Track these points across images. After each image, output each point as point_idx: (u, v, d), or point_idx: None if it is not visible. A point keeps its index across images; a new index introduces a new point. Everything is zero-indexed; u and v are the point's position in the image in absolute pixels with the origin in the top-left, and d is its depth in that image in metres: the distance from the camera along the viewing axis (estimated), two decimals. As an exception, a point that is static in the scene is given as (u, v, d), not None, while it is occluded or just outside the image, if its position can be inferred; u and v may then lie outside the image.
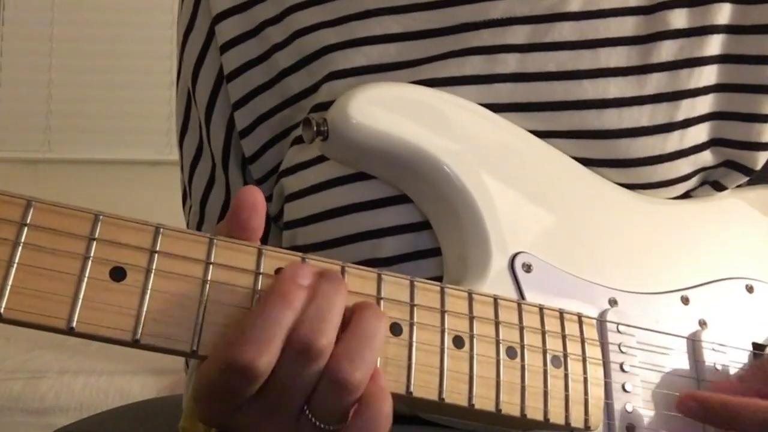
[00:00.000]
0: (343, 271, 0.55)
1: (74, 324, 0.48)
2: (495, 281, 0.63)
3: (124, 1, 2.91)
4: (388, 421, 0.50)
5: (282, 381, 0.49)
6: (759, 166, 0.74)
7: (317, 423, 0.49)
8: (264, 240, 0.78)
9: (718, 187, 0.75)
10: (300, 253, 0.55)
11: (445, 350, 0.56)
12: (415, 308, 0.56)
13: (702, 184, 0.75)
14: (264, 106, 0.76)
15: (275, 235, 0.79)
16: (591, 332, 0.63)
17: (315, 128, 0.64)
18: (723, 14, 0.73)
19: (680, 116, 0.71)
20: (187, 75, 0.81)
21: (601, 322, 0.64)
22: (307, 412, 0.49)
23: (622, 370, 0.63)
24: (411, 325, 0.56)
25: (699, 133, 0.73)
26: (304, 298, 0.50)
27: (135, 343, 0.49)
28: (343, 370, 0.48)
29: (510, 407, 0.57)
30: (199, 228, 0.81)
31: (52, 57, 2.92)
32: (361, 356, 0.49)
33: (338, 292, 0.51)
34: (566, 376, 0.60)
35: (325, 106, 0.70)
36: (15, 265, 0.47)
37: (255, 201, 0.53)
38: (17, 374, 2.11)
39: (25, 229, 0.48)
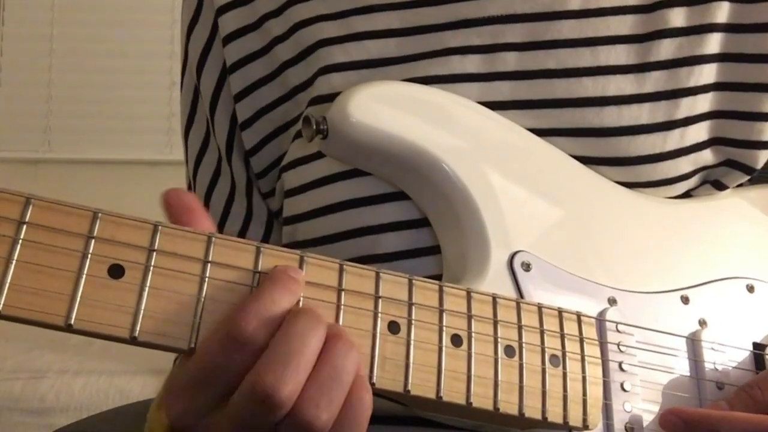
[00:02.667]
0: (341, 270, 0.55)
1: (72, 321, 0.48)
2: (494, 280, 0.63)
3: (124, 1, 2.91)
4: (369, 411, 0.50)
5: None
6: (759, 165, 0.74)
7: None
8: (266, 236, 0.79)
9: (719, 186, 0.75)
10: (298, 251, 0.55)
11: (443, 348, 0.56)
12: (413, 306, 0.56)
13: (702, 183, 0.75)
14: (264, 99, 0.76)
15: (277, 231, 0.79)
16: (590, 331, 0.62)
17: (314, 126, 0.64)
18: (722, 13, 0.73)
19: (680, 114, 0.71)
20: (192, 67, 0.82)
21: (600, 321, 0.64)
22: None
23: (621, 369, 0.63)
24: (409, 324, 0.56)
25: (699, 132, 0.73)
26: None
27: (132, 341, 0.49)
28: (309, 417, 0.47)
29: (508, 406, 0.57)
30: None
31: (52, 57, 2.92)
32: (328, 401, 0.48)
33: (313, 330, 0.49)
34: (565, 375, 0.60)
35: (320, 99, 0.70)
36: (14, 262, 0.47)
37: (188, 204, 0.53)
38: (17, 374, 2.11)
39: (24, 226, 0.48)
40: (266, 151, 0.77)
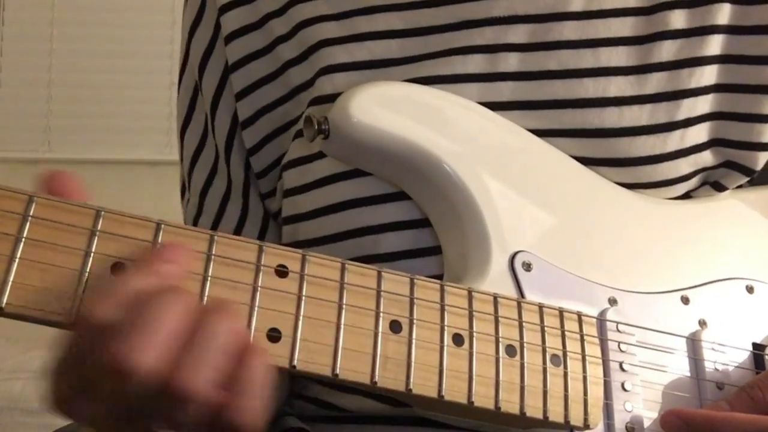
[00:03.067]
0: (343, 269, 0.56)
1: (75, 319, 0.48)
2: (495, 280, 0.63)
3: (124, 1, 2.91)
4: (260, 379, 0.48)
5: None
6: (759, 166, 0.74)
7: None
8: (261, 236, 0.79)
9: (719, 187, 0.75)
10: (300, 251, 0.55)
11: (445, 348, 0.56)
12: (414, 306, 0.57)
13: (702, 184, 0.75)
14: (266, 98, 0.76)
15: (272, 231, 0.79)
16: (591, 331, 0.63)
17: (316, 126, 0.64)
18: (723, 14, 0.73)
19: (681, 116, 0.71)
20: (194, 66, 0.82)
21: (601, 320, 0.64)
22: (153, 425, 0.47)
23: (622, 369, 0.63)
24: (411, 323, 0.56)
25: (699, 133, 0.73)
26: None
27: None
28: (181, 386, 0.45)
29: (509, 405, 0.57)
30: (196, 221, 0.81)
31: (52, 57, 2.91)
32: (200, 365, 0.46)
33: (171, 303, 0.47)
34: (566, 374, 0.60)
35: (322, 99, 0.70)
36: (17, 260, 0.47)
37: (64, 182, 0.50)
38: (17, 374, 2.11)
39: (27, 224, 0.48)
40: (267, 151, 0.77)
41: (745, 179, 0.75)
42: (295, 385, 0.77)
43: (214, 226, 0.80)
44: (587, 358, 0.61)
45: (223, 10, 0.78)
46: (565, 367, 0.60)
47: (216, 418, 0.46)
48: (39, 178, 0.51)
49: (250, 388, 0.47)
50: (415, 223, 0.68)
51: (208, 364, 0.46)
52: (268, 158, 0.77)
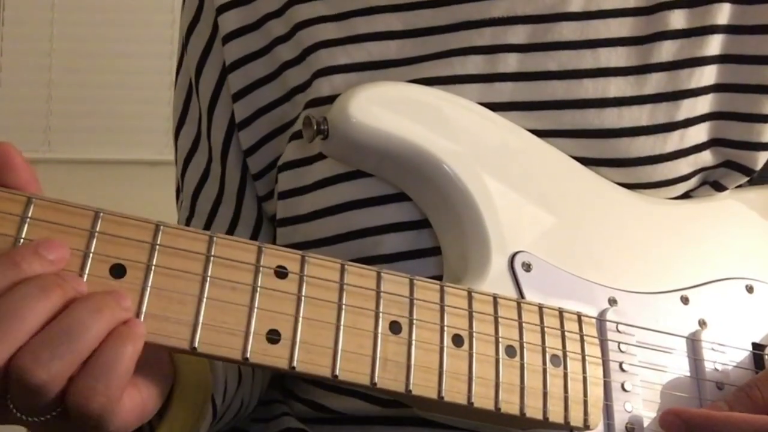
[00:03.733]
0: (342, 270, 0.55)
1: None
2: (495, 280, 0.63)
3: (124, 1, 2.91)
4: (130, 365, 0.47)
5: None
6: (759, 166, 0.74)
7: (23, 417, 0.47)
8: (253, 239, 0.79)
9: (718, 187, 0.75)
10: (300, 252, 0.55)
11: (445, 349, 0.56)
12: (414, 306, 0.57)
13: (702, 184, 0.75)
14: (264, 99, 0.76)
15: (265, 233, 0.79)
16: (590, 331, 0.63)
17: (315, 127, 0.64)
18: (723, 14, 0.73)
19: (680, 116, 0.71)
20: (190, 67, 0.81)
21: (601, 321, 0.64)
22: (11, 406, 0.47)
23: (622, 369, 0.63)
24: (410, 324, 0.56)
25: (699, 133, 0.73)
26: None
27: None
28: (22, 369, 0.44)
29: (509, 406, 0.57)
30: (188, 223, 0.81)
31: (52, 57, 2.91)
32: (50, 355, 0.45)
33: (34, 298, 0.46)
34: (565, 375, 0.60)
35: (321, 101, 0.70)
36: (15, 262, 0.47)
37: (6, 157, 0.49)
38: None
39: (26, 225, 0.48)
40: (264, 152, 0.77)
41: (744, 179, 0.75)
42: (290, 385, 0.77)
43: (206, 229, 0.79)
44: (587, 358, 0.61)
45: (221, 10, 0.78)
46: (565, 367, 0.60)
47: (67, 402, 0.46)
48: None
49: (105, 372, 0.46)
50: (414, 224, 0.68)
51: (59, 352, 0.45)
52: (266, 159, 0.77)
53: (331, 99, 0.67)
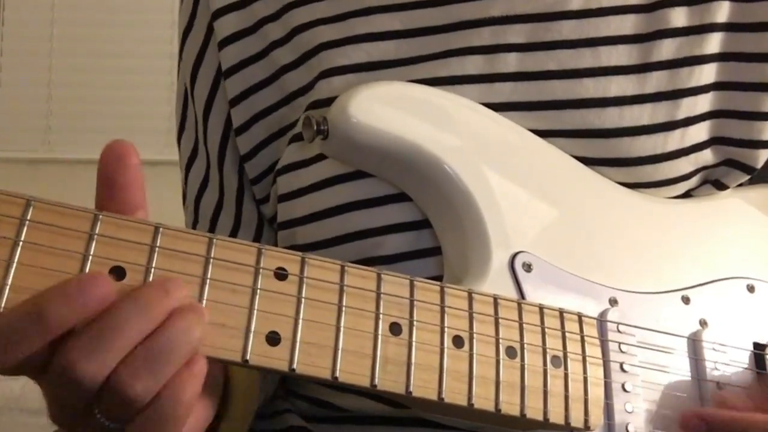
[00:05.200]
0: (342, 271, 0.55)
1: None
2: (495, 280, 0.63)
3: (124, 1, 2.91)
4: (188, 407, 0.49)
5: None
6: (759, 164, 0.74)
7: (106, 423, 0.48)
8: (256, 241, 0.78)
9: (719, 186, 0.75)
10: (300, 253, 0.55)
11: (445, 350, 0.56)
12: (414, 307, 0.56)
13: (703, 183, 0.75)
14: (261, 104, 0.76)
15: (267, 237, 0.79)
16: (591, 331, 0.62)
17: (315, 127, 0.64)
18: (722, 12, 0.73)
19: (681, 115, 0.71)
20: (186, 73, 0.81)
21: (601, 321, 0.64)
22: (96, 412, 0.48)
23: (622, 369, 0.63)
24: (411, 325, 0.56)
25: (700, 132, 0.73)
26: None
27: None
28: (122, 385, 0.46)
29: (510, 407, 0.57)
30: (193, 227, 0.81)
31: (52, 57, 2.92)
32: (148, 371, 0.47)
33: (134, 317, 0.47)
34: (566, 375, 0.60)
35: (321, 103, 0.70)
36: (14, 264, 0.47)
37: (124, 153, 0.51)
38: (17, 374, 2.11)
39: (25, 228, 0.48)
40: (262, 156, 0.76)
41: (745, 177, 0.75)
42: (293, 384, 0.77)
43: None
44: (588, 359, 0.61)
45: (217, 15, 0.77)
46: (566, 368, 0.60)
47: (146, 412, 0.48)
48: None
49: (180, 394, 0.48)
50: (415, 225, 0.68)
51: (155, 369, 0.47)
52: (263, 164, 0.77)
53: (332, 101, 0.67)
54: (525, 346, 0.59)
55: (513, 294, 0.63)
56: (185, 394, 0.48)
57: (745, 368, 0.68)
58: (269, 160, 0.76)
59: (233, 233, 0.79)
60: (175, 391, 0.48)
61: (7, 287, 0.47)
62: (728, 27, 0.74)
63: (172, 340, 0.47)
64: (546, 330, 0.60)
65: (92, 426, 0.49)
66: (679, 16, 0.73)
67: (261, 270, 0.53)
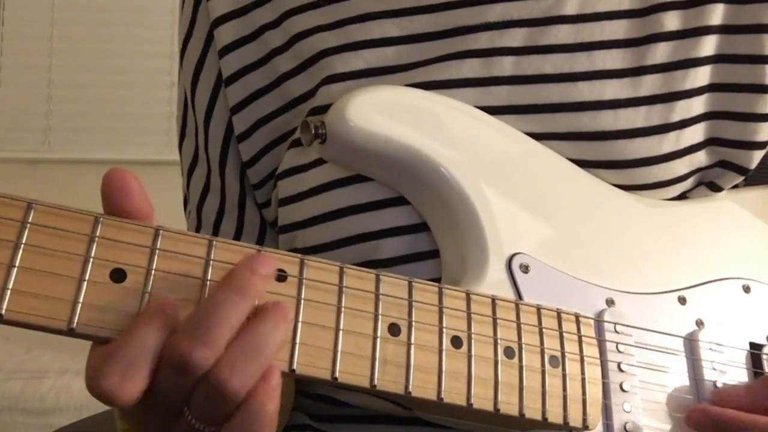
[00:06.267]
0: (341, 273, 0.56)
1: (74, 325, 0.48)
2: (493, 282, 0.63)
3: (124, 1, 2.91)
4: (272, 420, 0.49)
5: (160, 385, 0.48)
6: (753, 165, 0.74)
7: (195, 424, 0.49)
8: (259, 245, 0.79)
9: (714, 187, 0.75)
10: (298, 255, 0.55)
11: (444, 350, 0.56)
12: (413, 308, 0.57)
13: (698, 184, 0.75)
14: (263, 110, 0.76)
15: (270, 241, 0.79)
16: (589, 332, 0.63)
17: (313, 131, 0.64)
18: (716, 15, 0.74)
19: (676, 117, 0.72)
20: (186, 80, 0.81)
21: (599, 321, 0.64)
22: (187, 413, 0.49)
23: (620, 369, 0.63)
24: (409, 326, 0.56)
25: (694, 134, 0.73)
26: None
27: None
28: (222, 378, 0.47)
29: (508, 407, 0.58)
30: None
31: (52, 57, 2.92)
32: (243, 366, 0.48)
33: (232, 302, 0.49)
34: (564, 375, 0.60)
35: (322, 109, 0.70)
36: (16, 267, 0.47)
37: (123, 182, 0.51)
38: (17, 374, 2.11)
39: (26, 231, 0.48)
40: (264, 162, 0.77)
41: (740, 178, 0.75)
42: (298, 383, 0.77)
43: None
44: (585, 359, 0.62)
45: (217, 23, 0.77)
46: (564, 368, 0.60)
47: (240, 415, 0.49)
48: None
49: (265, 406, 0.49)
50: (413, 228, 0.68)
51: (249, 365, 0.48)
52: (265, 170, 0.77)
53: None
54: (523, 346, 0.59)
55: (510, 295, 0.63)
56: (269, 407, 0.49)
57: (742, 368, 0.68)
58: (271, 166, 0.76)
59: (236, 238, 0.79)
60: (261, 400, 0.49)
61: (9, 290, 0.47)
62: (723, 29, 0.74)
63: (264, 334, 0.49)
64: (544, 330, 0.61)
65: (180, 425, 0.49)
66: (672, 20, 0.73)
67: (260, 271, 0.53)
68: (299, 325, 0.53)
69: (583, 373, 0.61)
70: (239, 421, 0.48)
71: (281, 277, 0.54)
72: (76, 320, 0.48)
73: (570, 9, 0.72)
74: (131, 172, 0.51)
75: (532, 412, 0.58)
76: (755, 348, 0.69)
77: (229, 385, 0.47)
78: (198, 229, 0.82)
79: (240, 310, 0.49)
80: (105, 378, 0.46)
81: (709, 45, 0.73)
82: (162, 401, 0.48)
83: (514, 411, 0.58)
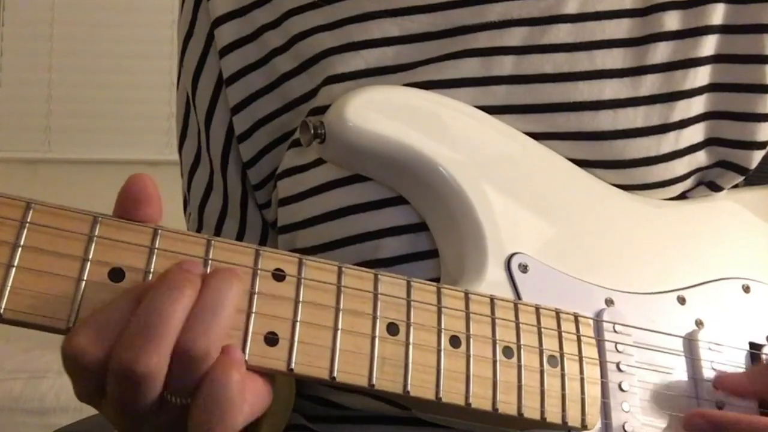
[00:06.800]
0: (340, 272, 0.56)
1: (73, 324, 0.48)
2: (491, 282, 0.63)
3: (124, 1, 2.92)
4: (237, 393, 0.49)
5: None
6: (753, 165, 0.74)
7: (170, 398, 0.49)
8: (262, 245, 0.79)
9: (714, 187, 0.75)
10: (297, 255, 0.55)
11: (442, 350, 0.57)
12: (411, 308, 0.57)
13: (698, 184, 0.75)
14: (263, 111, 0.76)
15: (272, 241, 0.79)
16: (587, 332, 0.63)
17: (312, 131, 0.64)
18: (717, 15, 0.73)
19: (675, 117, 0.72)
20: (186, 80, 0.81)
21: (598, 321, 0.64)
22: (168, 394, 0.49)
23: (619, 369, 0.63)
24: (408, 325, 0.56)
25: (694, 134, 0.73)
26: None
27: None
28: (186, 344, 0.48)
29: (507, 407, 0.58)
30: None
31: (52, 57, 2.92)
32: (204, 329, 0.48)
33: (173, 301, 0.48)
34: (563, 375, 0.60)
35: (322, 109, 0.70)
36: (15, 267, 0.48)
37: (144, 192, 0.52)
38: (17, 374, 2.11)
39: (25, 231, 0.48)
40: (264, 162, 0.77)
41: (740, 178, 0.75)
42: (296, 384, 0.77)
43: None
44: (584, 359, 0.62)
45: (218, 23, 0.77)
46: (562, 368, 0.60)
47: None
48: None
49: (227, 376, 0.49)
50: (412, 228, 0.68)
51: (210, 326, 0.48)
52: (266, 170, 0.77)
53: None
54: (522, 346, 0.59)
55: (509, 295, 0.63)
56: (233, 374, 0.49)
57: (741, 368, 0.68)
58: (271, 166, 0.76)
59: (239, 238, 0.79)
60: (222, 372, 0.49)
61: (8, 289, 0.47)
62: (723, 29, 0.74)
63: (218, 292, 0.49)
64: (542, 330, 0.61)
65: (161, 411, 0.50)
66: (673, 20, 0.73)
67: (259, 271, 0.53)
68: (298, 324, 0.53)
69: (581, 372, 0.61)
70: (207, 388, 0.48)
71: (280, 276, 0.54)
72: (74, 319, 0.48)
73: (570, 8, 0.72)
74: (152, 179, 0.52)
75: (531, 411, 0.58)
76: (755, 348, 0.69)
77: (195, 346, 0.48)
78: (199, 230, 0.82)
79: (183, 304, 0.48)
80: (77, 335, 0.47)
81: (709, 45, 0.73)
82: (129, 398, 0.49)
83: (512, 411, 0.58)
